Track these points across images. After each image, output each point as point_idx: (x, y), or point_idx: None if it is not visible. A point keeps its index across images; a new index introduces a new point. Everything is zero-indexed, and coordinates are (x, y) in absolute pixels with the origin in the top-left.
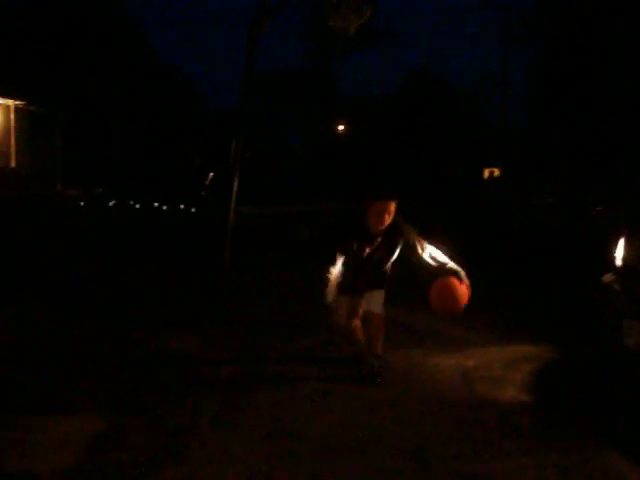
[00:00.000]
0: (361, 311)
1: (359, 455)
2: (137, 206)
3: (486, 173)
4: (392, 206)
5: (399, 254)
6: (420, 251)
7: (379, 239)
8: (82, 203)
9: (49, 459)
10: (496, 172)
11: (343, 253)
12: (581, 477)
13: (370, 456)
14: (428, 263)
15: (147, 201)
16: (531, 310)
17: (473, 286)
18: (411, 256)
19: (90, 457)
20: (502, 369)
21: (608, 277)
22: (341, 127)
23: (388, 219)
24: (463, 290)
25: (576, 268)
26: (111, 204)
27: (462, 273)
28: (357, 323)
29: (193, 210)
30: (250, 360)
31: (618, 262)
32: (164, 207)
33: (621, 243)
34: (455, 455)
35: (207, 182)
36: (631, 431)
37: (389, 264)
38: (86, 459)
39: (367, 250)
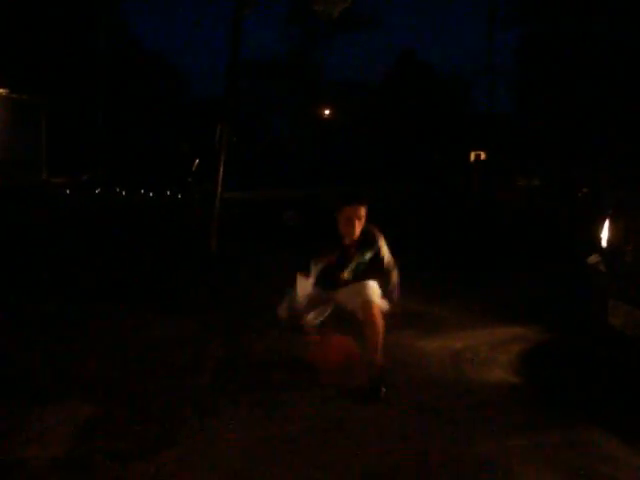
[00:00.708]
0: (329, 310)
1: (349, 439)
2: (123, 193)
3: (472, 156)
4: (362, 211)
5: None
6: (386, 263)
7: (352, 250)
8: (68, 191)
9: (40, 447)
10: (482, 155)
11: (316, 264)
12: (569, 458)
13: (360, 439)
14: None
15: (133, 188)
16: (518, 291)
17: (459, 268)
18: (378, 267)
19: (80, 445)
20: (489, 350)
21: (593, 258)
22: (327, 112)
23: (359, 225)
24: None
25: (561, 249)
26: (97, 191)
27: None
28: (310, 320)
29: (180, 197)
30: (238, 345)
31: (603, 243)
32: (150, 194)
33: (606, 224)
34: (444, 437)
35: (193, 168)
36: (618, 410)
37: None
38: (76, 447)
39: (341, 261)
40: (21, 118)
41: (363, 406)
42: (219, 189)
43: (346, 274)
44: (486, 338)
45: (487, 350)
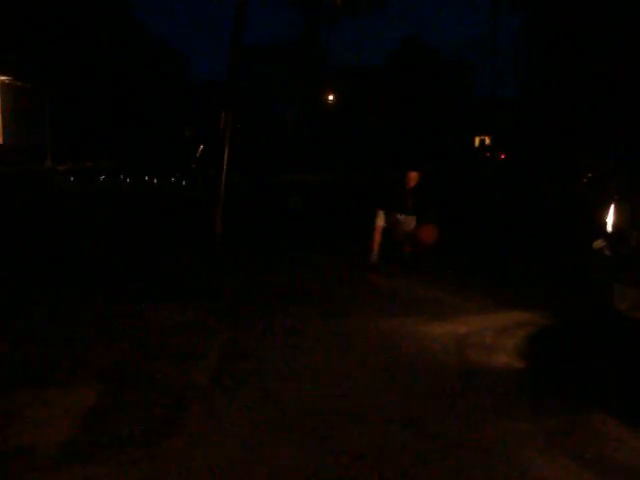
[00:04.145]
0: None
1: (355, 422)
2: (127, 180)
3: (477, 141)
4: (412, 174)
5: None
6: (427, 203)
7: (411, 192)
8: (72, 178)
9: (47, 432)
10: (487, 140)
11: (386, 202)
12: (574, 441)
13: (365, 422)
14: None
15: (137, 175)
16: (523, 277)
17: (465, 255)
18: (422, 203)
19: (88, 430)
20: (494, 336)
21: (599, 243)
22: (331, 97)
23: (413, 180)
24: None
25: (566, 234)
26: (101, 179)
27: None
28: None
29: (184, 183)
30: (244, 330)
31: (609, 228)
32: (155, 180)
33: (611, 209)
34: (448, 420)
35: (198, 154)
36: (623, 395)
37: (419, 205)
38: (84, 432)
39: (403, 198)
40: (25, 105)
41: (368, 390)
42: (223, 175)
43: (410, 204)
44: (491, 323)
45: (492, 335)
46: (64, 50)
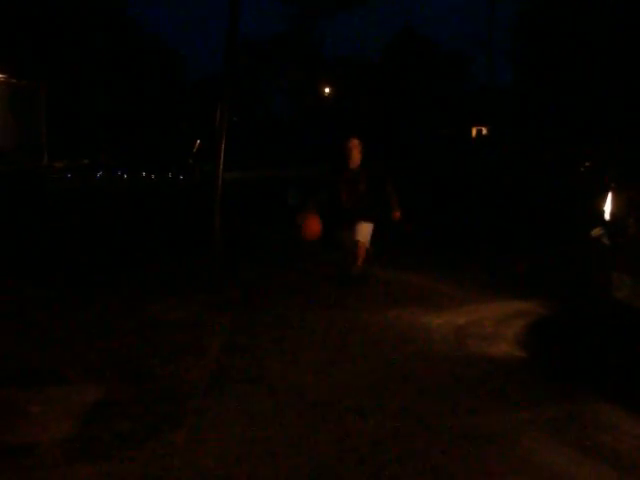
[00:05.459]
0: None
1: (357, 415)
2: (125, 176)
3: (474, 132)
4: (355, 142)
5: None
6: (388, 188)
7: (358, 174)
8: (69, 175)
9: (49, 430)
10: (484, 130)
11: (329, 186)
12: (574, 430)
13: (368, 414)
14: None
15: (134, 171)
16: (523, 266)
17: (462, 244)
18: (382, 190)
19: (89, 427)
20: (494, 325)
21: (597, 231)
22: (327, 90)
23: (357, 154)
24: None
25: (564, 223)
26: (98, 175)
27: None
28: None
29: (181, 178)
30: (244, 325)
31: (606, 216)
32: (152, 176)
33: (609, 197)
34: (449, 410)
35: (194, 149)
36: (622, 383)
37: (372, 198)
38: (85, 429)
39: (350, 183)
40: (20, 102)
41: (370, 382)
42: (220, 169)
43: (350, 204)
44: (491, 313)
45: (492, 325)
46: (60, 47)
